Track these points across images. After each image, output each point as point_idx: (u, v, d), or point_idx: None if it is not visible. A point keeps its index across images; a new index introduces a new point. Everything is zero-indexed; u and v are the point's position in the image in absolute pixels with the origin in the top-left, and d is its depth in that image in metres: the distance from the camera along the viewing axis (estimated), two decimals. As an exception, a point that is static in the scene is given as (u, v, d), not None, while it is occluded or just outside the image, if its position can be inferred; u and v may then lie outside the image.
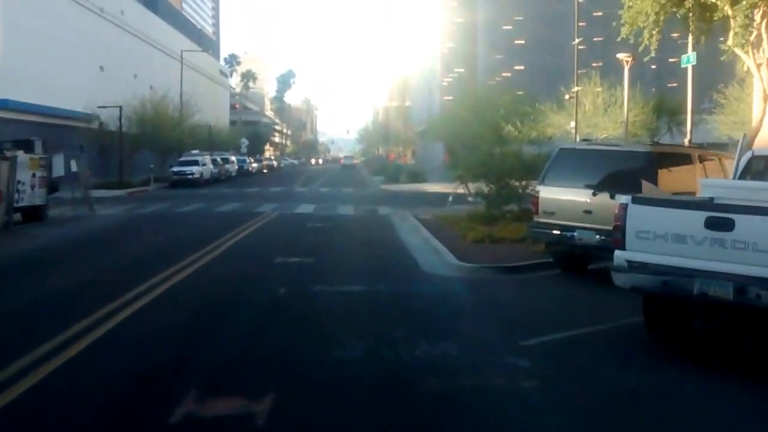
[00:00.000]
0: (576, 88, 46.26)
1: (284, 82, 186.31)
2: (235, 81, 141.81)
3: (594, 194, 12.47)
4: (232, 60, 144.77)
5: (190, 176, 50.52)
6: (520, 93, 64.10)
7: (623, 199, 8.71)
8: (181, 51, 70.04)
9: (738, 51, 21.82)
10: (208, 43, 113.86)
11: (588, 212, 12.55)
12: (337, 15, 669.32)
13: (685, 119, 54.38)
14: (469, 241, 17.51)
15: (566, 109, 50.71)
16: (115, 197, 38.03)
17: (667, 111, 53.55)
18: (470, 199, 25.95)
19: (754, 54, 21.41)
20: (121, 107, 48.77)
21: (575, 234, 12.72)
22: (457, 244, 16.98)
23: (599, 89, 48.84)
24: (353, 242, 19.37)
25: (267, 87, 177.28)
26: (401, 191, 43.19)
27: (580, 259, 13.71)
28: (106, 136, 52.01)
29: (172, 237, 20.25)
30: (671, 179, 11.88)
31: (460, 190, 26.39)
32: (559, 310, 10.98)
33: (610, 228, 12.16)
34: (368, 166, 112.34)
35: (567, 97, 50.20)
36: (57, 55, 52.54)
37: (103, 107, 49.70)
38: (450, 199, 27.17)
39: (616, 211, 8.73)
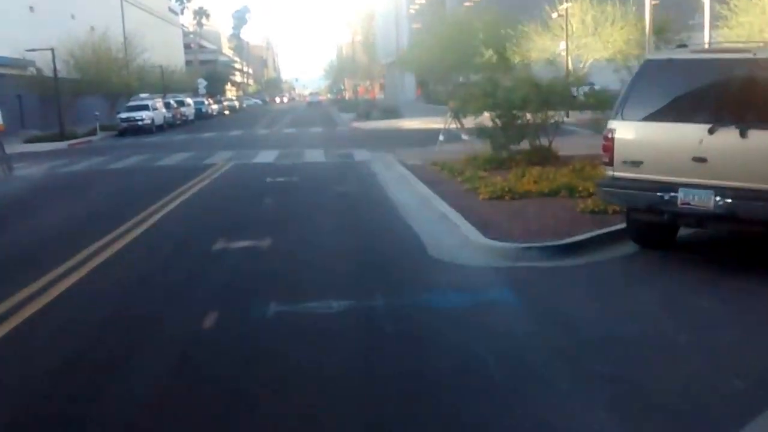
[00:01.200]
0: (566, 4, 41.31)
1: (240, 18, 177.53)
2: (187, 19, 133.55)
3: (711, 131, 7.65)
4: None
5: (139, 122, 45.68)
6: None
7: None
8: (121, -17, 63.71)
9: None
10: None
11: (701, 160, 7.73)
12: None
13: (672, 37, 50.32)
14: (484, 198, 12.79)
15: (551, 30, 46.03)
16: (52, 151, 33.64)
17: (655, 29, 49.01)
18: (465, 137, 21.31)
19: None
20: (53, 50, 43.07)
21: (679, 195, 7.88)
22: (470, 205, 12.21)
23: (582, 8, 44.24)
24: (326, 207, 14.28)
25: (222, 24, 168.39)
26: (376, 129, 38.11)
27: (668, 229, 9.01)
28: (45, 83, 46.25)
29: (82, 210, 15.22)
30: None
31: (453, 126, 21.64)
32: (731, 353, 5.95)
33: (738, 184, 7.57)
34: (336, 102, 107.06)
35: (555, 15, 45.32)
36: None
37: (33, 50, 43.78)
38: (441, 138, 22.28)
39: None
